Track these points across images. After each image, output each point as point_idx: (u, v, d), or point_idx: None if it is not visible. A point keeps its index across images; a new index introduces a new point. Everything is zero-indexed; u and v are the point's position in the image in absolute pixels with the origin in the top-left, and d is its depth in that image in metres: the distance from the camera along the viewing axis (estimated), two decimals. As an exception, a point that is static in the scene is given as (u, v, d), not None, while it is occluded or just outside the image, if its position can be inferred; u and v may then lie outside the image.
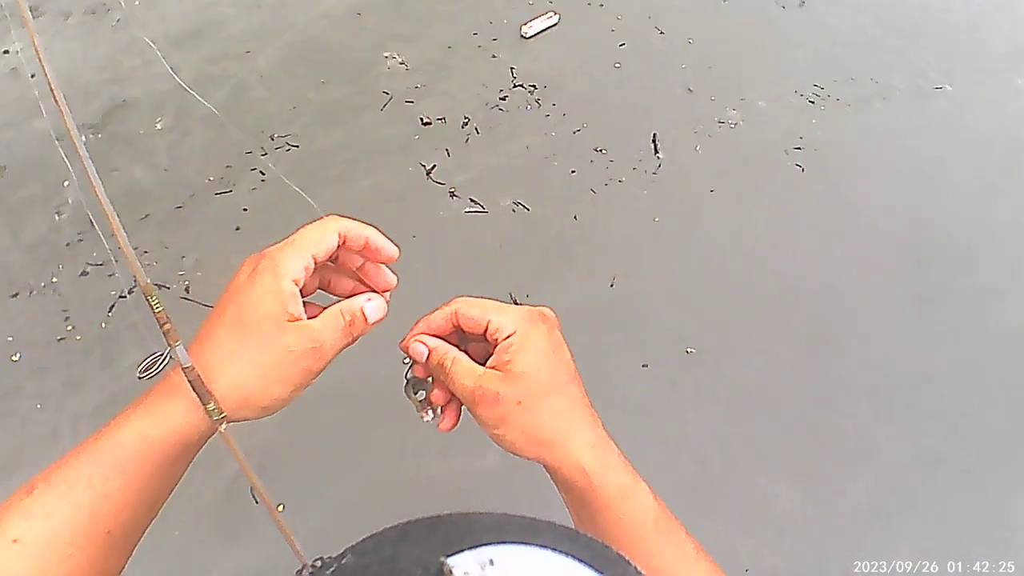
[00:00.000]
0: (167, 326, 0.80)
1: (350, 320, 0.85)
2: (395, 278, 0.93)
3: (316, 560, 0.61)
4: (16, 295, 3.42)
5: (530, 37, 4.37)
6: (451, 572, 0.48)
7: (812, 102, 4.17)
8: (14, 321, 3.35)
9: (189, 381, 0.77)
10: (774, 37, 4.54)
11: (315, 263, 0.84)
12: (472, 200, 3.64)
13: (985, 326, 3.37)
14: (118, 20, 4.58)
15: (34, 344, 3.28)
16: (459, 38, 4.39)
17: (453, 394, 0.91)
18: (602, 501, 0.82)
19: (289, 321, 0.80)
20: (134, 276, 0.77)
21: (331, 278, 0.93)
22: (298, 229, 0.85)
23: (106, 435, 0.78)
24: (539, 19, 4.42)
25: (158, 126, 3.98)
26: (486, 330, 0.87)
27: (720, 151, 3.93)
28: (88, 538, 0.76)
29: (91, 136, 3.93)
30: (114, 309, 3.33)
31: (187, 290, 3.35)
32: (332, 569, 0.55)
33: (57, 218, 3.66)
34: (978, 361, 3.26)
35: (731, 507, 2.87)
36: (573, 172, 3.78)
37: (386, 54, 4.28)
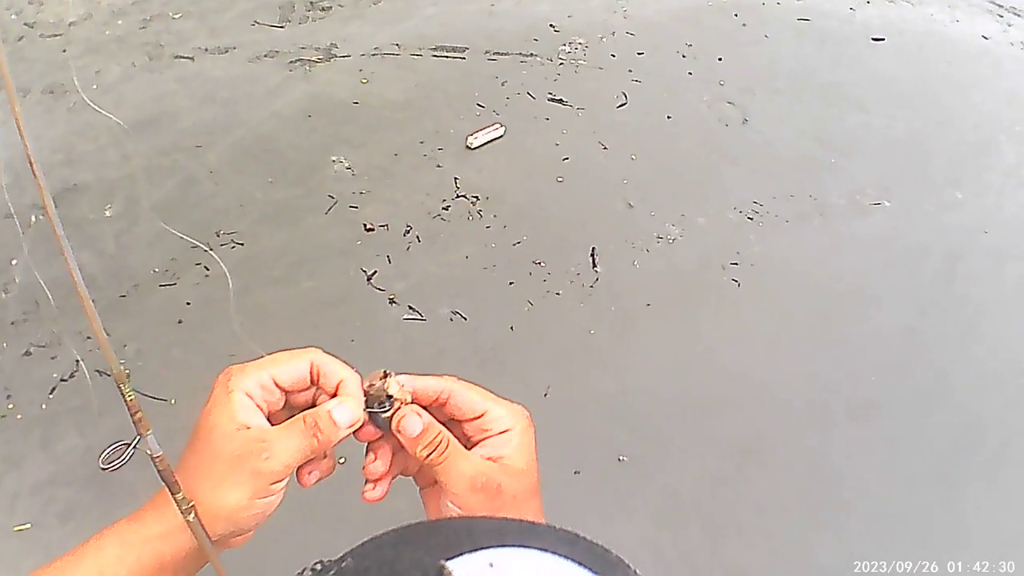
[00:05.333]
0: (139, 414, 0.82)
1: (312, 423, 0.84)
2: (361, 407, 0.89)
3: (316, 563, 0.62)
4: (-42, 371, 3.51)
5: (475, 148, 4.57)
6: (451, 575, 0.50)
7: (751, 218, 4.38)
8: (-44, 396, 3.44)
9: (158, 471, 0.80)
10: (716, 154, 4.77)
11: (277, 386, 0.86)
12: (411, 307, 3.79)
13: (917, 436, 3.54)
14: (75, 103, 4.74)
15: (-27, 420, 3.36)
16: (405, 146, 4.58)
17: (392, 462, 0.92)
18: None
19: (238, 430, 0.81)
20: (109, 366, 0.80)
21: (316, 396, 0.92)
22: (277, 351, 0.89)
23: (91, 540, 0.81)
24: (485, 130, 4.62)
25: (107, 213, 4.11)
26: (476, 418, 0.88)
27: (658, 266, 4.11)
28: None
29: (40, 217, 4.04)
30: (56, 391, 3.42)
31: (128, 378, 3.43)
32: (332, 572, 0.56)
33: (3, 296, 3.76)
34: (911, 469, 3.43)
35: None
36: (511, 283, 3.95)
37: (333, 158, 4.47)
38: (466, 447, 0.88)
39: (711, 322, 3.92)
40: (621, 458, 3.37)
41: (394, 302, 3.82)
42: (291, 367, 0.86)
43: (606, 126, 4.85)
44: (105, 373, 3.45)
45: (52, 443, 3.29)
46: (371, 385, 0.88)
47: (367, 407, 0.89)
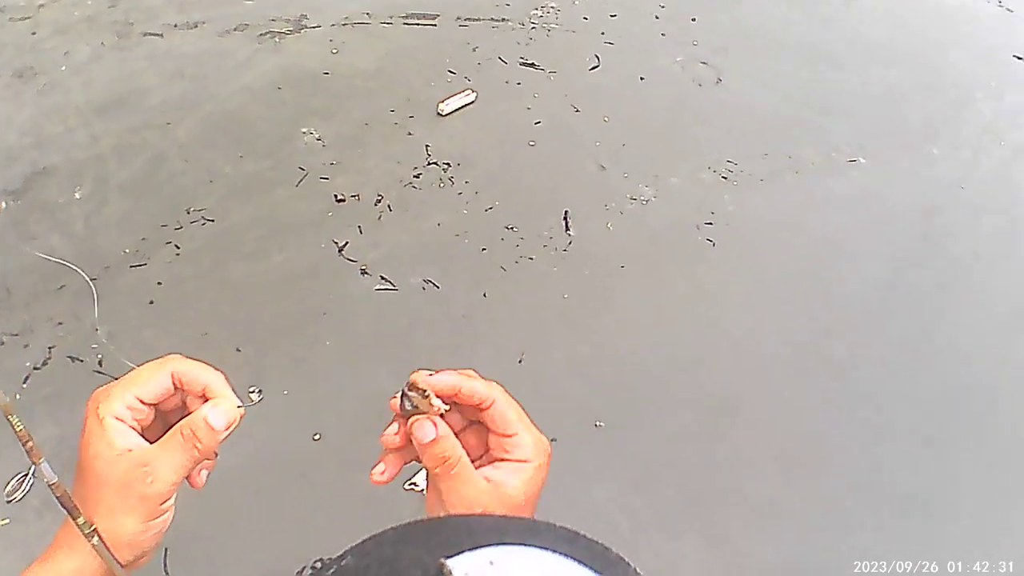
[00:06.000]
0: (29, 444, 0.81)
1: (190, 434, 0.85)
2: (235, 405, 0.90)
3: (316, 561, 0.62)
4: (-71, 362, 3.49)
5: (446, 115, 4.54)
6: (451, 573, 0.50)
7: (725, 177, 4.37)
8: (-73, 387, 3.42)
9: (56, 497, 0.81)
10: (689, 114, 4.76)
11: (142, 403, 0.87)
12: (383, 278, 3.77)
13: (898, 391, 3.55)
14: (44, 84, 4.70)
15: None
16: (376, 115, 4.54)
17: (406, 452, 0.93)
18: None
19: (118, 455, 0.82)
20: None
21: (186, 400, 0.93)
22: (139, 365, 0.89)
23: None
24: (456, 97, 4.59)
25: (77, 195, 4.07)
26: (505, 435, 0.89)
27: (632, 228, 4.10)
28: None
29: (11, 202, 4.03)
30: (29, 380, 3.39)
31: (100, 363, 3.42)
32: (332, 570, 0.56)
33: (-27, 285, 3.73)
34: (891, 426, 3.44)
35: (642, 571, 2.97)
36: (484, 250, 3.93)
37: (304, 130, 4.43)
38: (483, 455, 0.92)
39: (687, 282, 3.91)
40: (598, 423, 3.37)
41: (366, 273, 3.80)
42: (152, 383, 0.88)
43: (578, 89, 4.82)
44: (78, 359, 3.45)
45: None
46: (410, 387, 0.89)
47: (402, 404, 0.90)
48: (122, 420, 0.84)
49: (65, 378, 3.39)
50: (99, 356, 3.45)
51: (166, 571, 2.86)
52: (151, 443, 0.86)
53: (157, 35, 5.08)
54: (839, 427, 3.43)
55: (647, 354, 3.62)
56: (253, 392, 0.85)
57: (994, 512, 3.20)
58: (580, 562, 0.54)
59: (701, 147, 4.55)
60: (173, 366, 0.89)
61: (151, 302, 3.66)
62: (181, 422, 0.86)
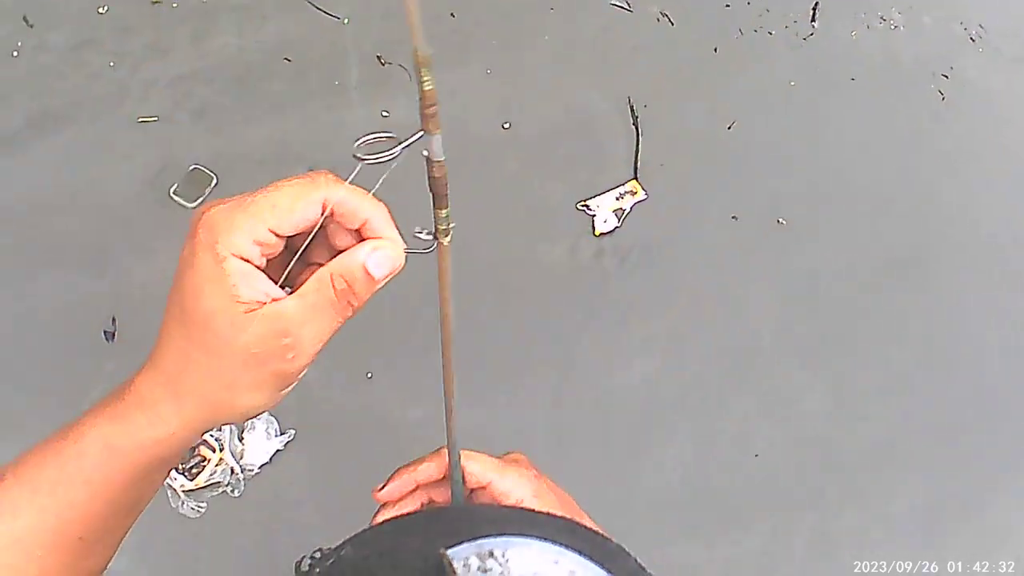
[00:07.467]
0: (433, 108, 0.58)
1: (345, 288, 0.65)
2: (401, 249, 0.68)
3: (315, 551, 0.61)
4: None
5: None
6: (451, 563, 0.50)
7: (972, 40, 4.13)
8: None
9: (432, 178, 0.64)
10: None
11: (277, 237, 0.64)
12: (618, -3, 3.67)
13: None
14: None
15: (126, 0, 3.22)
16: None
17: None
18: None
19: (246, 312, 0.62)
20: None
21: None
22: (274, 183, 0.65)
23: (72, 437, 0.67)
24: None
25: None
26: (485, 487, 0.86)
27: (873, 46, 3.92)
28: (57, 543, 0.68)
29: None
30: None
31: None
32: (331, 561, 0.57)
33: None
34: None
35: (764, 391, 3.02)
36: (727, 6, 3.77)
37: None
38: None
39: (910, 121, 3.79)
40: (780, 220, 3.36)
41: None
42: (296, 213, 0.63)
43: None
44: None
45: (204, 38, 3.14)
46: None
47: None
48: (249, 260, 0.62)
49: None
50: None
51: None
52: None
53: None
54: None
55: (852, 168, 3.60)
56: (421, 233, 0.68)
57: (995, 511, 3.17)
58: (580, 552, 0.55)
59: (959, -1, 4.32)
60: (326, 192, 0.64)
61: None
62: (329, 269, 0.65)
